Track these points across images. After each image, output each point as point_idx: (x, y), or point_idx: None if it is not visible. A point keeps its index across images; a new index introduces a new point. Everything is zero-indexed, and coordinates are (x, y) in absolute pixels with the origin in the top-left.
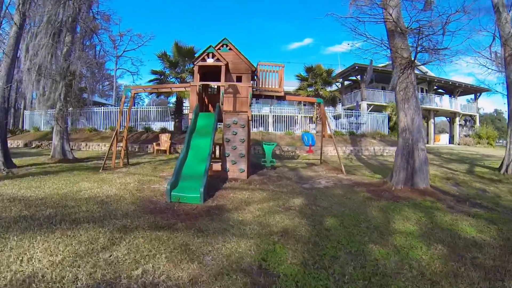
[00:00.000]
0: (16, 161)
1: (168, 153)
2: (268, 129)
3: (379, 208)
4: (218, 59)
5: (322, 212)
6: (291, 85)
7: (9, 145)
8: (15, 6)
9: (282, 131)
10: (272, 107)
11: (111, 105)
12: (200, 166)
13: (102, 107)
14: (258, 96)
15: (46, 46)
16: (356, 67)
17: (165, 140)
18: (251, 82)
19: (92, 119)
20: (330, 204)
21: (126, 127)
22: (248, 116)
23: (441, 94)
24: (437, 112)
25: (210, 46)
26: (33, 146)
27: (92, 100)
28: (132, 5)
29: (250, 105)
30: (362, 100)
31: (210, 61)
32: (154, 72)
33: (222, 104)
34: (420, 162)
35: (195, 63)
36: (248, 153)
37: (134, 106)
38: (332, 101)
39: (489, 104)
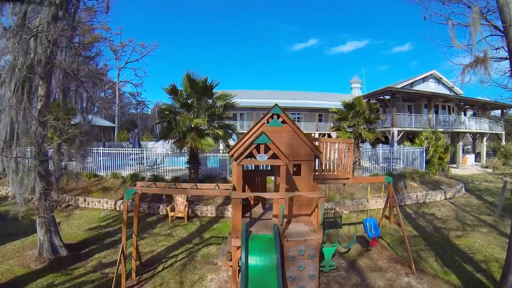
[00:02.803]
0: None
1: (186, 220)
2: None
3: None
4: (274, 155)
5: None
6: (308, 98)
7: None
8: None
9: None
10: None
11: (113, 126)
12: None
13: (101, 148)
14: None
15: (10, 107)
16: (389, 90)
17: (181, 202)
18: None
19: (91, 158)
20: None
21: (135, 245)
22: (318, 240)
23: (465, 110)
24: (465, 134)
25: (261, 133)
26: None
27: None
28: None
29: (321, 224)
30: (392, 126)
31: (262, 159)
32: (161, 114)
33: (282, 225)
34: None
35: (237, 161)
36: None
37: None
38: (374, 143)
39: None
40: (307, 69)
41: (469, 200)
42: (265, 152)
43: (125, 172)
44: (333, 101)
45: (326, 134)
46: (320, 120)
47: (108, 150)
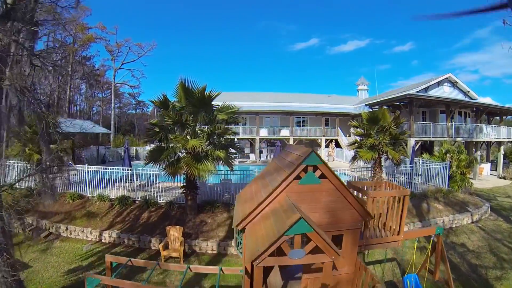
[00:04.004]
0: None
1: (182, 261)
2: None
3: None
4: (315, 250)
5: None
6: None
7: None
8: None
9: None
10: (293, 129)
11: (108, 132)
12: None
13: (86, 166)
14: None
15: None
16: (407, 97)
17: (175, 237)
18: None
19: (76, 175)
20: None
21: None
22: None
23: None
24: (483, 143)
25: (299, 218)
26: None
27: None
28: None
29: None
30: (410, 136)
31: (297, 256)
32: (150, 131)
33: None
34: None
35: (256, 262)
36: None
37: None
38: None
39: None
40: (308, 69)
41: (498, 223)
42: (302, 245)
43: (114, 192)
44: (340, 104)
45: (334, 140)
46: (326, 125)
47: (94, 168)
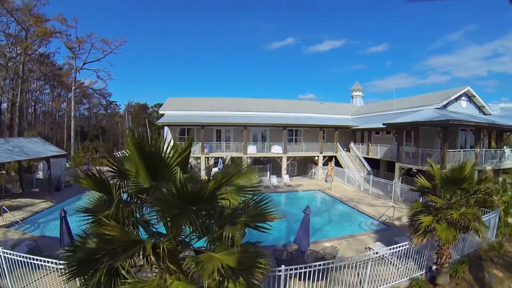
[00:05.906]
0: None
1: None
2: (281, 176)
3: None
4: None
5: None
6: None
7: None
8: None
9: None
10: (286, 145)
11: (63, 154)
12: None
13: (1, 250)
14: None
15: None
16: (450, 123)
17: None
18: None
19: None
20: None
21: None
22: None
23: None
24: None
25: None
26: None
27: None
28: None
29: None
30: (442, 169)
31: None
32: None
33: None
34: None
35: None
36: None
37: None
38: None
39: None
40: (284, 69)
41: None
42: None
43: (51, 283)
44: (336, 114)
45: (333, 158)
46: (323, 138)
47: (12, 256)
